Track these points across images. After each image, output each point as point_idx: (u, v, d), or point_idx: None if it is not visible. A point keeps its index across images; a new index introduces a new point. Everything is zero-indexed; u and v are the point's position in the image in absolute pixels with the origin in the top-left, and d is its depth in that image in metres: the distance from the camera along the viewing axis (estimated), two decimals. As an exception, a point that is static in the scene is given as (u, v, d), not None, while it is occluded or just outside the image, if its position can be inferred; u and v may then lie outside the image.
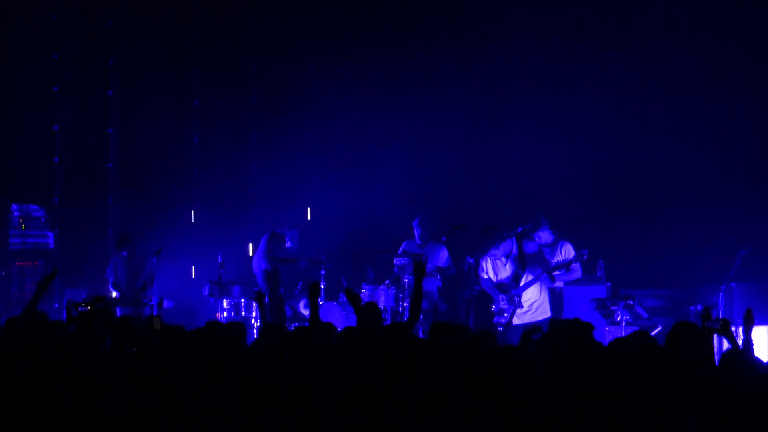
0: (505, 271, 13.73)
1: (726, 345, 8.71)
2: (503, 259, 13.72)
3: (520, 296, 13.54)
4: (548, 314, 13.57)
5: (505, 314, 13.59)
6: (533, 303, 13.56)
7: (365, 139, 17.65)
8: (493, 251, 13.68)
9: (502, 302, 13.66)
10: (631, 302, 13.64)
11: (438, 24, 17.81)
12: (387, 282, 15.42)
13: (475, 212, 16.51)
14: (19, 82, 17.19)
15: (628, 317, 13.55)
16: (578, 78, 17.00)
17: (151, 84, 17.80)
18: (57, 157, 17.24)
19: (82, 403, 7.11)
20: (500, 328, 13.63)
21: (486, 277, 13.90)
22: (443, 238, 15.34)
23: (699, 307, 14.30)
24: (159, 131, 17.81)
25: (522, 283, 13.61)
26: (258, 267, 15.71)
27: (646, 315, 14.09)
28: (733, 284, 14.26)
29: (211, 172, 17.85)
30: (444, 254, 15.39)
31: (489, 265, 13.85)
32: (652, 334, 13.21)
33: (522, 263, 13.68)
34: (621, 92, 16.72)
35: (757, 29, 16.20)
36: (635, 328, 13.60)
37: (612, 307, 13.68)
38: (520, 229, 14.12)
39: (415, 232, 15.57)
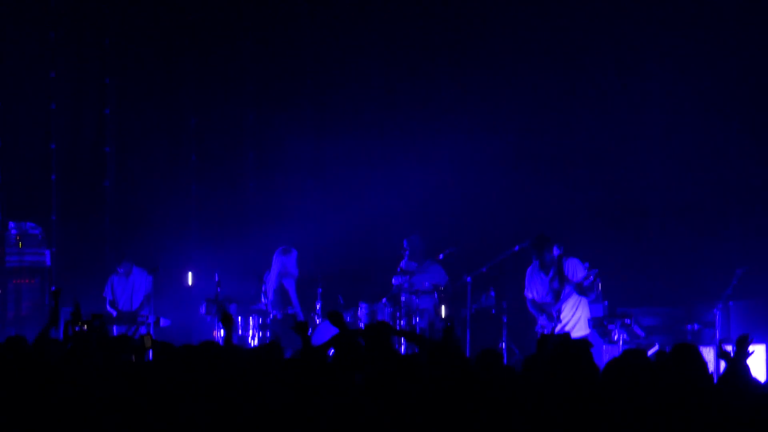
0: (548, 289, 13.32)
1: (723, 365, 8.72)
2: (547, 276, 13.35)
3: (558, 312, 13.24)
4: (586, 331, 13.25)
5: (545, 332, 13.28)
6: (568, 321, 13.17)
7: (362, 157, 17.65)
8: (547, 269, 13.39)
9: (541, 320, 13.31)
10: (629, 321, 13.53)
11: (433, 45, 17.82)
12: (384, 300, 15.39)
13: (471, 232, 16.51)
14: (15, 101, 17.19)
15: (625, 336, 13.46)
16: (573, 98, 17.01)
17: (148, 102, 17.81)
18: (54, 175, 17.24)
19: (77, 422, 7.09)
20: None
21: (530, 297, 13.48)
22: (440, 257, 15.32)
23: (696, 326, 14.28)
24: (156, 149, 17.83)
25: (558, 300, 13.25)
26: (272, 284, 15.56)
27: (643, 334, 14.05)
28: (730, 303, 14.24)
29: (208, 190, 17.85)
30: (440, 273, 15.38)
31: (533, 282, 13.47)
32: (650, 353, 13.16)
33: (560, 280, 13.39)
34: (616, 112, 16.74)
35: (754, 50, 16.23)
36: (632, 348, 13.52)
37: (609, 326, 13.58)
38: (516, 248, 14.15)
39: (405, 253, 15.58)
